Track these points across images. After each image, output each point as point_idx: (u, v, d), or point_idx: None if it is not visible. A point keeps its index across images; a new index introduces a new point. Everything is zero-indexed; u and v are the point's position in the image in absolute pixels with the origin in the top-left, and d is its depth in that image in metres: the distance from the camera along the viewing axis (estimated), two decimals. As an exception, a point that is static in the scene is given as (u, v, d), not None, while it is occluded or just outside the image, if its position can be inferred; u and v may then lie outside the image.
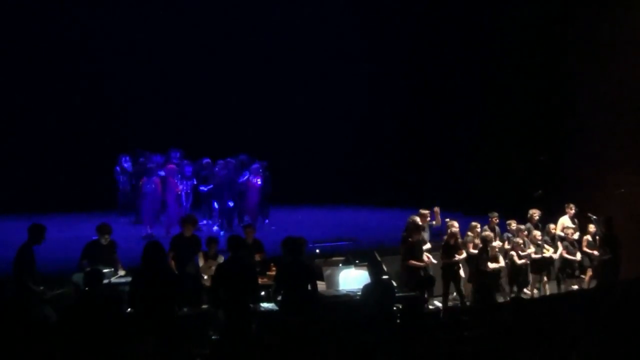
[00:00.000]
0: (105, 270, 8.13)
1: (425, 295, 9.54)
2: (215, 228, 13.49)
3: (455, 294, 10.26)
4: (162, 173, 13.17)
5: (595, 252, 11.09)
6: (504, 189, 14.75)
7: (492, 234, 10.44)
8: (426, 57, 17.94)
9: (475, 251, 10.26)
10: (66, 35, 16.02)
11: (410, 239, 9.74)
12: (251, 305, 7.00)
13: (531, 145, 15.36)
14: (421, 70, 18.02)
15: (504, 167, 15.60)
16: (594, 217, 11.59)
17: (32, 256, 7.64)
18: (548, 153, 14.68)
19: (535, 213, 11.45)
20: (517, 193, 13.82)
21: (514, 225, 11.27)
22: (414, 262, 9.54)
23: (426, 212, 10.55)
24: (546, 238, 11.26)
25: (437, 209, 10.80)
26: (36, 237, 7.73)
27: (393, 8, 18.08)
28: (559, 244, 11.33)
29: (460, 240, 10.34)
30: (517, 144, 15.69)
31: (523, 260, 10.77)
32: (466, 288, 10.41)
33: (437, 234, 10.75)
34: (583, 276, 11.33)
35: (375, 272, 6.95)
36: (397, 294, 7.78)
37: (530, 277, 11.06)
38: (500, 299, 10.30)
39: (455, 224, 10.45)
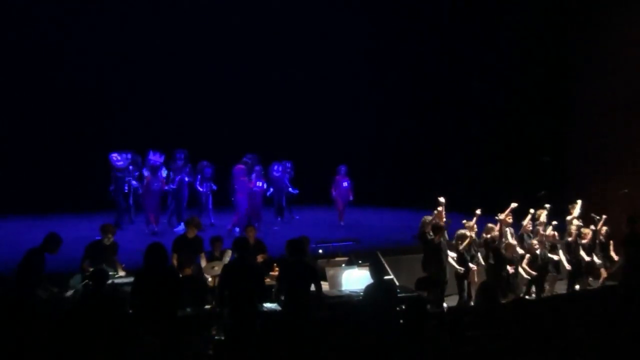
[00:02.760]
0: (113, 279, 8.16)
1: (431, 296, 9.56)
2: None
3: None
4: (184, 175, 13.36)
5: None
6: (506, 189, 14.73)
7: (497, 234, 10.38)
8: (430, 60, 17.96)
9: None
10: (66, 36, 16.02)
11: (432, 239, 9.73)
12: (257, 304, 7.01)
13: (534, 146, 15.36)
14: (424, 72, 18.03)
15: (507, 167, 15.59)
16: (597, 217, 11.60)
17: (42, 262, 7.65)
18: (551, 154, 14.68)
19: (542, 213, 11.41)
20: (520, 194, 13.81)
21: (529, 226, 11.15)
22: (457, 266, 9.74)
23: (440, 209, 10.46)
24: (569, 239, 11.21)
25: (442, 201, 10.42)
26: (50, 247, 7.74)
27: (400, 11, 18.11)
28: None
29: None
30: (520, 144, 15.69)
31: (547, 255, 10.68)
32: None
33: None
34: (591, 279, 11.35)
35: (377, 272, 6.94)
36: (399, 294, 7.78)
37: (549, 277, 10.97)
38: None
39: (472, 224, 10.42)
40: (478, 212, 10.27)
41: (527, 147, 15.50)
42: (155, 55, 16.88)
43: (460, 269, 10.04)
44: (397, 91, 18.64)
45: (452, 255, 10.20)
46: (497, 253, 10.03)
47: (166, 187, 13.29)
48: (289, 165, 15.18)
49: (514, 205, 10.37)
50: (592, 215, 11.66)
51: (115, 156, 13.39)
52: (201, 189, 13.94)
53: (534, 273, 10.46)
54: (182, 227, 13.22)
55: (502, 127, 15.98)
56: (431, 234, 9.83)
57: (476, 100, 16.74)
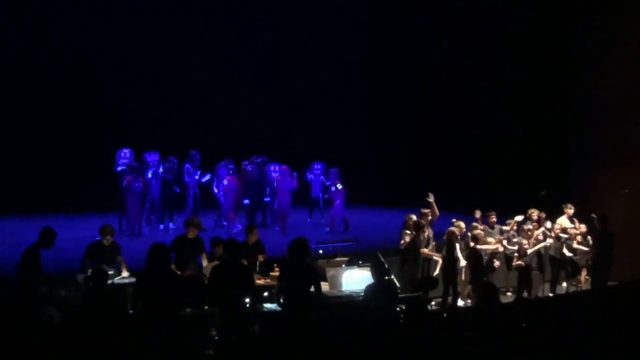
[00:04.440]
0: (110, 273, 8.15)
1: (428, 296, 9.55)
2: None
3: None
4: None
5: (584, 248, 11.18)
6: (506, 189, 14.74)
7: (482, 232, 10.40)
8: (429, 59, 17.96)
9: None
10: (68, 35, 16.00)
11: (415, 238, 9.74)
12: (250, 305, 6.99)
13: (535, 146, 15.36)
14: (424, 71, 18.04)
15: (506, 167, 15.59)
16: (597, 217, 11.58)
17: (38, 258, 7.65)
18: (552, 153, 14.70)
19: (534, 212, 11.42)
20: (520, 193, 13.81)
21: (514, 224, 11.18)
22: (426, 251, 9.66)
23: (427, 211, 10.52)
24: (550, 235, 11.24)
25: (431, 199, 10.55)
26: (46, 241, 7.72)
27: (399, 8, 18.13)
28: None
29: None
30: (520, 144, 15.69)
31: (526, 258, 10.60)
32: (465, 288, 10.42)
33: (439, 234, 10.67)
34: (579, 276, 11.35)
35: (378, 272, 6.94)
36: (400, 295, 7.78)
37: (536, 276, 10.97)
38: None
39: (462, 224, 10.42)
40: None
41: (527, 147, 15.49)
42: (162, 56, 16.89)
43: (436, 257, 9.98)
44: (397, 91, 18.62)
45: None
46: (475, 255, 10.00)
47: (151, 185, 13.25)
48: (318, 167, 14.74)
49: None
50: (592, 215, 11.65)
51: (124, 153, 13.30)
52: (216, 191, 13.87)
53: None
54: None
55: (502, 127, 15.96)
56: (413, 231, 9.90)
57: (476, 100, 16.72)
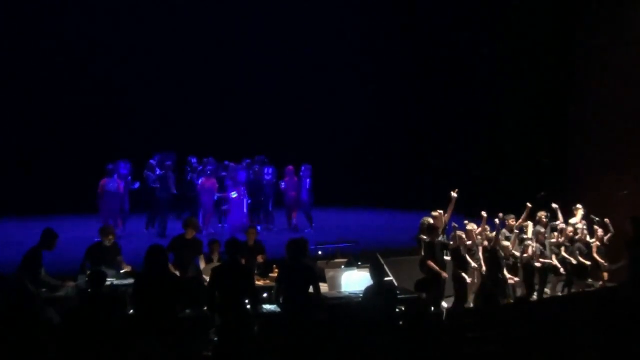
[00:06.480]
0: (113, 280, 8.13)
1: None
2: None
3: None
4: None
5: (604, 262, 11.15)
6: (506, 190, 14.74)
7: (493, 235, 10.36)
8: (429, 59, 17.98)
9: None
10: (71, 37, 16.05)
11: (428, 240, 9.71)
12: (251, 307, 6.98)
13: (534, 147, 15.36)
14: (424, 72, 18.05)
15: (507, 169, 15.59)
16: (597, 218, 11.59)
17: (39, 259, 7.64)
18: (552, 155, 14.70)
19: (543, 215, 11.36)
20: (520, 195, 13.80)
21: (531, 226, 11.07)
22: (432, 264, 9.46)
23: (438, 213, 10.47)
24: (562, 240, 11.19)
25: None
26: (47, 243, 7.71)
27: (397, 10, 18.16)
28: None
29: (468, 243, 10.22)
30: (520, 145, 15.69)
31: (539, 265, 10.52)
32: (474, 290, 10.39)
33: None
34: (591, 280, 11.29)
35: (377, 274, 6.93)
36: (399, 296, 7.77)
37: (551, 279, 10.91)
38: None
39: (474, 226, 10.37)
40: (484, 214, 10.30)
41: (527, 149, 15.49)
42: (163, 58, 16.98)
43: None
44: (398, 93, 18.63)
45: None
46: (493, 256, 9.98)
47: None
48: (303, 169, 14.26)
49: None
50: (592, 216, 11.66)
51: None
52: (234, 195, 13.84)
53: (516, 279, 10.33)
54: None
55: (502, 128, 15.97)
56: (428, 236, 9.83)
57: (476, 101, 16.74)
